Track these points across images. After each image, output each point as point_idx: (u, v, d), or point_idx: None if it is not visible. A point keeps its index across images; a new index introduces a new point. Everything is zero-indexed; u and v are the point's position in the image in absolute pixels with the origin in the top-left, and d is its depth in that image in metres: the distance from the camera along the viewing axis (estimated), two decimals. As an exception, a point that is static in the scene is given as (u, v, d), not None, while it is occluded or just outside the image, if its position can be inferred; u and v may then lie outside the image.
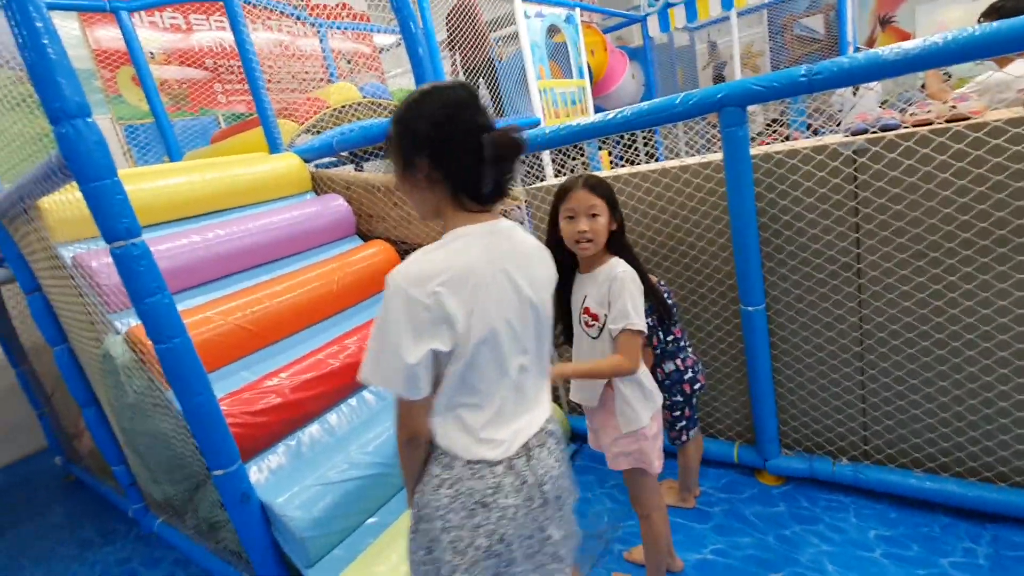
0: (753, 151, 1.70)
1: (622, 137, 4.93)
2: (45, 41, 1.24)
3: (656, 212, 2.00)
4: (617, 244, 1.37)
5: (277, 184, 2.78)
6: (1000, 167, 1.39)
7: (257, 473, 1.80)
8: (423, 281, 0.84)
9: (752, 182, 1.68)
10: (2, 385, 3.54)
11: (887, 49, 1.38)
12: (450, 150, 0.88)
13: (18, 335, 3.09)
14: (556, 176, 4.36)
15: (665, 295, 1.65)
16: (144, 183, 2.35)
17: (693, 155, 2.37)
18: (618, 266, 1.34)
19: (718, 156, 1.77)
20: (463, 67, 4.53)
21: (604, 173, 2.14)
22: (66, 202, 1.94)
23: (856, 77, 1.44)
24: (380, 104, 3.51)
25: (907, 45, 1.35)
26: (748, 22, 7.92)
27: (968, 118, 1.43)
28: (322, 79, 4.77)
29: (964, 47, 1.29)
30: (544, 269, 1.03)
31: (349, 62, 5.60)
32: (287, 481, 1.76)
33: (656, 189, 1.97)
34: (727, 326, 1.99)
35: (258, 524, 1.66)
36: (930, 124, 1.46)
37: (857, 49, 6.61)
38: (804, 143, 1.70)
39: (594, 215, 1.30)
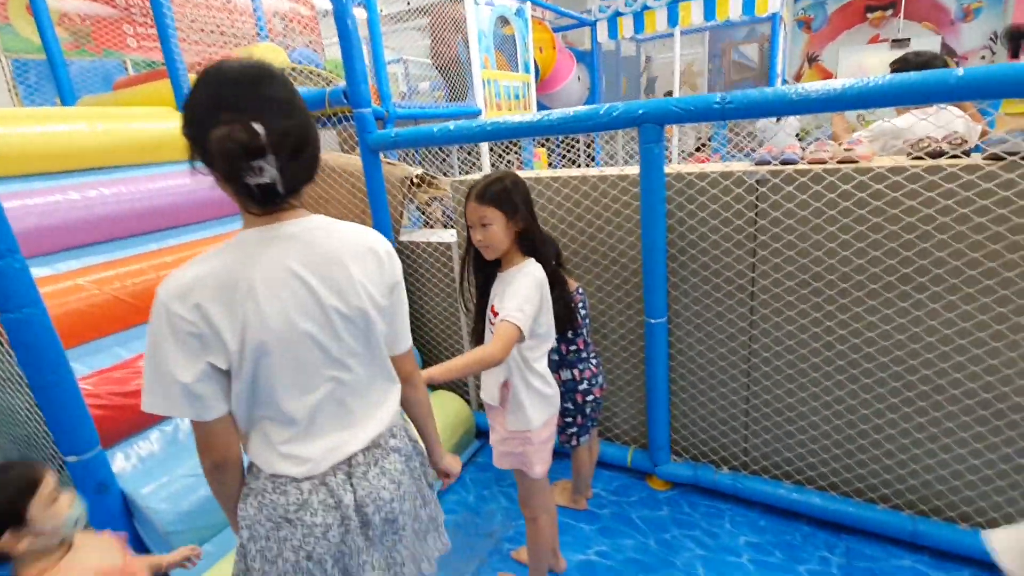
0: (668, 169, 1.75)
1: (564, 137, 4.98)
2: None
3: (573, 219, 2.02)
4: (527, 244, 1.37)
5: (180, 144, 2.55)
6: (879, 210, 1.51)
7: (123, 461, 1.65)
8: (184, 295, 0.76)
9: (664, 198, 1.73)
10: None
11: (791, 88, 1.46)
12: (202, 148, 0.75)
13: None
14: (492, 167, 4.34)
15: (580, 304, 1.68)
16: (23, 127, 2.08)
17: (630, 163, 2.40)
18: (526, 266, 1.35)
19: (635, 169, 1.81)
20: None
21: (526, 174, 2.13)
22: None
23: (764, 110, 1.51)
24: (308, 72, 3.31)
25: (811, 86, 1.42)
26: (691, 41, 8.23)
27: (857, 161, 1.54)
28: (249, 37, 4.44)
29: (861, 95, 1.37)
30: (361, 268, 0.89)
31: (284, 21, 5.27)
32: (157, 470, 1.62)
33: (575, 196, 1.98)
34: (631, 335, 2.04)
35: (117, 516, 1.53)
36: (823, 163, 1.55)
37: (785, 81, 7.06)
38: (713, 167, 1.77)
39: (484, 224, 1.31)
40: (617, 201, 1.91)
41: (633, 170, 1.87)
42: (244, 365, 0.80)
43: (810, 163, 1.60)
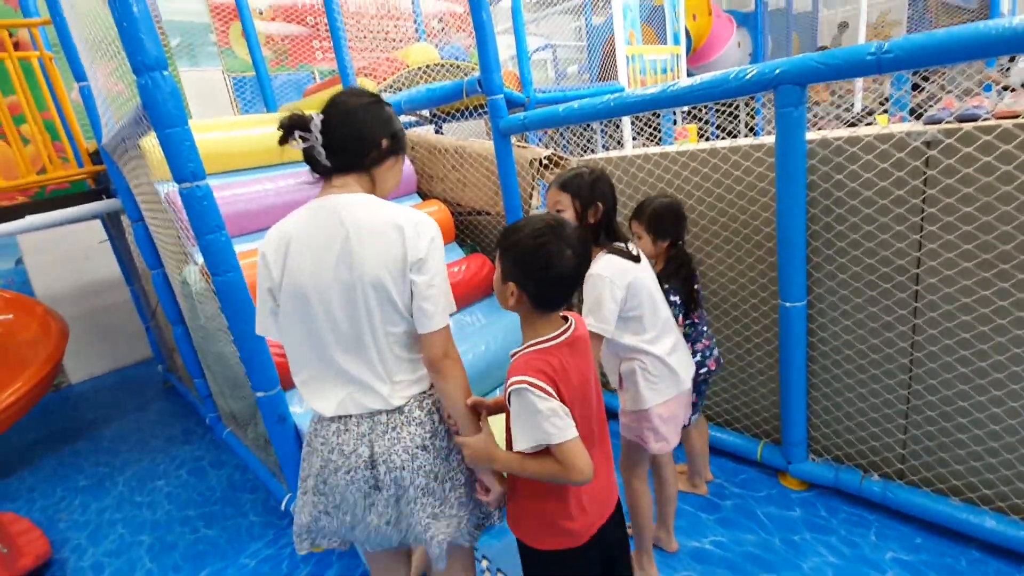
0: (810, 136, 1.57)
1: (723, 110, 4.66)
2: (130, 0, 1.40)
3: (701, 194, 1.92)
4: (597, 236, 1.34)
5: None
6: (1098, 172, 1.19)
7: (298, 404, 2.01)
8: (263, 244, 1.06)
9: (804, 168, 1.56)
10: (119, 300, 4.13)
11: (982, 25, 1.20)
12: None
13: (133, 258, 3.58)
14: (632, 146, 4.23)
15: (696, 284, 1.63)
16: (234, 131, 2.60)
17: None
18: (597, 263, 1.29)
19: (771, 139, 1.65)
20: None
21: (644, 151, 2.07)
22: (162, 144, 2.21)
23: (935, 57, 1.27)
24: (457, 66, 3.56)
25: (1015, 20, 1.15)
26: (884, -14, 7.01)
27: (1065, 112, 1.23)
28: (410, 39, 4.88)
29: None
30: (380, 242, 0.98)
31: (441, 21, 5.67)
32: (320, 411, 1.95)
33: (703, 170, 1.87)
34: (765, 320, 1.89)
35: (292, 444, 1.87)
36: (1016, 116, 1.27)
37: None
38: (868, 130, 1.54)
39: (559, 211, 1.32)
40: (751, 173, 1.77)
41: (769, 139, 1.71)
42: (282, 297, 1.03)
43: (999, 118, 1.31)
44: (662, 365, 1.39)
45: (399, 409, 1.06)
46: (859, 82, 4.48)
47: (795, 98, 1.50)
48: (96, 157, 3.07)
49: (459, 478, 1.11)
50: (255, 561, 1.97)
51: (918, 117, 1.67)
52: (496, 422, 1.10)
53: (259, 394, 1.80)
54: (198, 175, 1.59)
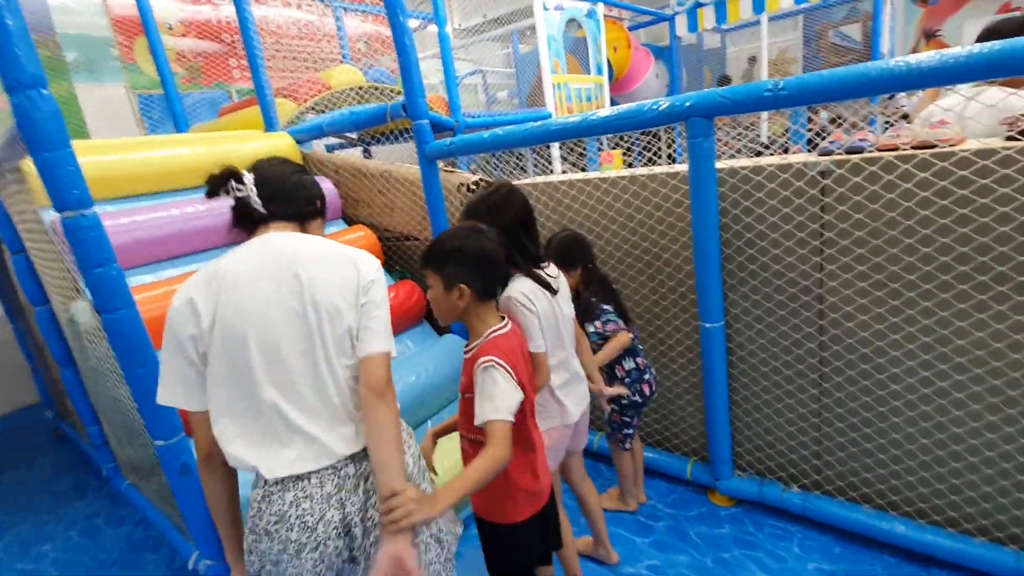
0: (719, 164, 1.65)
1: (645, 137, 4.84)
2: (4, 13, 1.26)
3: (624, 220, 1.96)
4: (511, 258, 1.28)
5: (267, 163, 2.81)
6: (966, 200, 1.32)
7: (205, 447, 1.84)
8: (181, 293, 0.95)
9: (716, 196, 1.64)
10: (1, 338, 3.68)
11: (865, 67, 1.31)
12: None
13: (17, 292, 3.20)
14: (563, 172, 4.32)
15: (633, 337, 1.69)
16: (134, 153, 2.40)
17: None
18: (513, 284, 1.27)
19: (684, 167, 1.72)
20: None
21: (569, 178, 2.11)
22: (48, 167, 2.00)
23: (825, 95, 1.38)
24: (381, 89, 3.51)
25: (888, 63, 1.26)
26: (783, 27, 7.70)
27: (935, 146, 1.36)
28: (334, 60, 4.78)
29: (961, 68, 1.17)
30: (327, 275, 0.95)
31: (368, 44, 5.62)
32: (231, 457, 1.79)
33: (624, 196, 1.93)
34: (688, 340, 1.94)
35: (197, 496, 1.69)
36: (896, 150, 1.39)
37: (892, 61, 6.36)
38: (770, 160, 1.64)
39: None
40: (668, 200, 1.83)
41: (683, 168, 1.78)
42: (214, 342, 0.89)
43: (881, 150, 1.43)
44: (550, 396, 1.37)
45: (365, 454, 0.95)
46: (764, 114, 4.86)
47: (704, 129, 1.57)
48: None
49: (435, 521, 1.05)
50: (157, 631, 1.76)
51: (814, 147, 1.80)
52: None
53: (158, 443, 1.62)
54: (84, 202, 1.43)
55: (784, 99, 1.40)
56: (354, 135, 3.95)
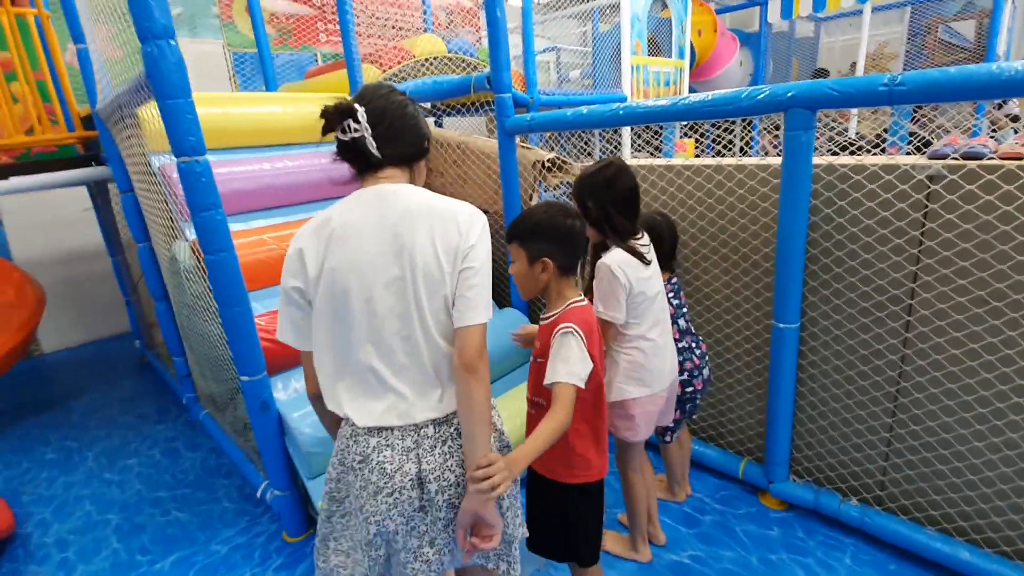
0: (816, 160, 1.58)
1: (720, 128, 4.69)
2: (141, -36, 1.36)
3: (704, 209, 1.93)
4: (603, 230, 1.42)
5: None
6: (1095, 219, 1.22)
7: (281, 391, 1.97)
8: (294, 241, 0.97)
9: (809, 192, 1.58)
10: (99, 271, 4.03)
11: (986, 66, 1.22)
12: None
13: (117, 229, 3.49)
14: (632, 156, 4.25)
15: (671, 292, 1.66)
16: (235, 107, 2.55)
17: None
18: (608, 254, 1.40)
19: (778, 160, 1.67)
20: None
21: (650, 162, 2.08)
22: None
23: (948, 94, 1.29)
24: (463, 60, 3.53)
25: (1016, 64, 1.18)
26: (886, 19, 7.15)
27: (1069, 157, 1.26)
28: (417, 29, 4.84)
29: None
30: (428, 236, 0.92)
31: (449, 15, 5.64)
32: (303, 402, 1.91)
33: (707, 185, 1.88)
34: (756, 339, 1.90)
35: (274, 432, 1.83)
36: (1020, 158, 1.29)
37: (1009, 64, 5.80)
38: (875, 160, 1.56)
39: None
40: (754, 193, 1.78)
41: (775, 160, 1.72)
42: (320, 290, 0.94)
43: (1002, 158, 1.34)
44: (641, 366, 1.44)
45: (447, 419, 0.98)
46: (854, 110, 4.57)
47: (805, 122, 1.51)
48: (88, 122, 2.98)
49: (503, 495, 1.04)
50: (227, 548, 1.93)
51: (918, 149, 1.70)
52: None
53: (244, 378, 1.76)
54: (198, 150, 1.55)
55: (901, 95, 1.32)
56: (428, 105, 4.02)
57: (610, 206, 1.38)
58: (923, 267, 1.50)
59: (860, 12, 6.04)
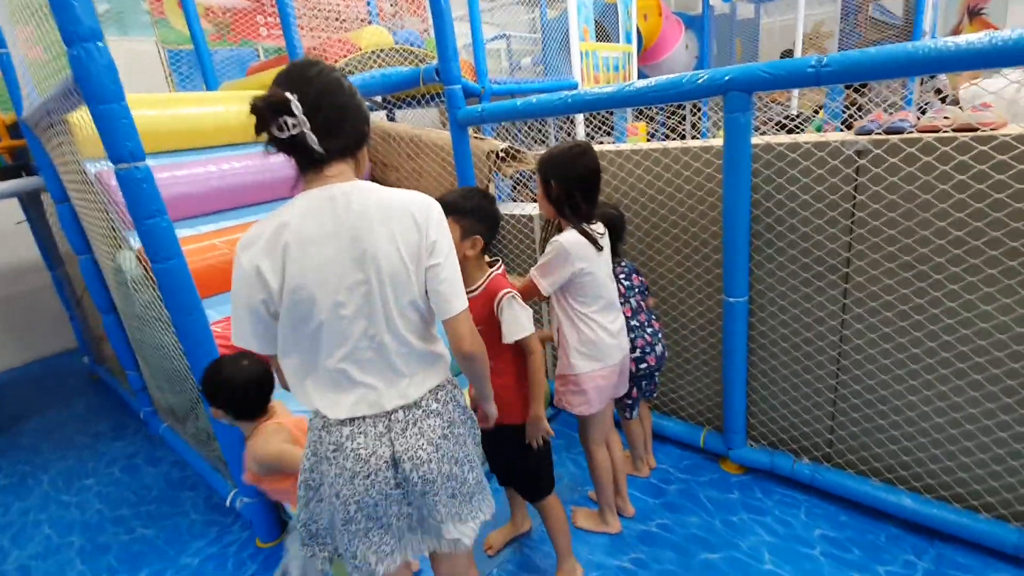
0: (754, 140, 1.66)
1: (670, 110, 4.76)
2: (62, -37, 1.29)
3: (653, 192, 1.99)
4: (562, 210, 1.50)
5: (299, 123, 2.84)
6: (1002, 184, 1.33)
7: (243, 394, 1.94)
8: (246, 246, 0.92)
9: (750, 171, 1.65)
10: (39, 285, 3.82)
11: (914, 46, 1.30)
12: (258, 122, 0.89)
13: (55, 241, 3.31)
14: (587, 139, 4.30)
15: (622, 274, 1.74)
16: (174, 109, 2.45)
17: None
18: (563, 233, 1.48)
19: (720, 141, 1.73)
20: None
21: (607, 147, 2.13)
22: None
23: (869, 72, 1.37)
24: (411, 52, 3.49)
25: (933, 43, 1.25)
26: (820, -1, 7.41)
27: (977, 129, 1.36)
28: (362, 20, 4.73)
29: (1012, 51, 1.16)
30: (392, 229, 0.93)
31: (394, 5, 5.53)
32: (268, 404, 1.89)
33: (655, 168, 1.94)
34: (709, 314, 1.99)
35: (239, 438, 1.79)
36: (937, 131, 1.39)
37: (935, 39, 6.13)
38: (807, 138, 1.65)
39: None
40: (700, 174, 1.84)
41: (717, 142, 1.79)
42: (284, 307, 0.92)
43: (921, 131, 1.43)
44: (591, 338, 1.52)
45: (416, 403, 1.01)
46: (795, 90, 4.75)
47: (743, 104, 1.57)
48: (14, 130, 2.81)
49: (474, 461, 1.13)
50: (198, 560, 1.90)
51: (849, 127, 1.79)
52: None
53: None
54: (136, 155, 1.49)
55: (827, 76, 1.40)
56: (379, 98, 3.95)
57: (574, 187, 1.42)
58: (856, 236, 1.60)
59: (796, -8, 6.24)
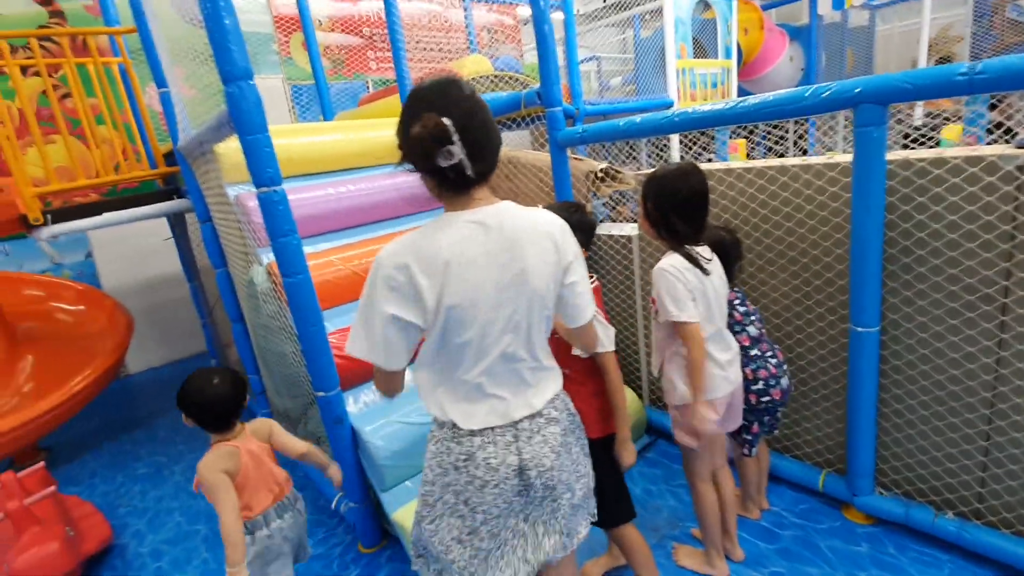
0: (890, 156, 1.52)
1: (771, 128, 4.53)
2: (223, 12, 1.47)
3: (768, 212, 1.87)
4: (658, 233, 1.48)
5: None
6: None
7: (352, 404, 2.05)
8: (395, 257, 0.92)
9: (883, 190, 1.51)
10: (178, 296, 4.31)
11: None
12: (406, 146, 0.92)
13: (193, 255, 3.74)
14: (681, 159, 4.18)
15: (736, 300, 1.64)
16: (299, 138, 2.70)
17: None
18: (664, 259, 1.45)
19: (847, 158, 1.61)
20: None
21: (714, 166, 2.04)
22: (236, 149, 2.30)
23: (1035, 79, 1.22)
24: (511, 77, 3.60)
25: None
26: (947, 1, 6.75)
27: None
28: (461, 50, 4.97)
29: None
30: (539, 250, 0.97)
31: (491, 33, 5.76)
32: (374, 415, 1.98)
33: (771, 188, 1.83)
34: (832, 344, 1.82)
35: (348, 445, 1.91)
36: None
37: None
38: (955, 152, 1.48)
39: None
40: (823, 193, 1.72)
41: (843, 158, 1.66)
42: (436, 324, 0.95)
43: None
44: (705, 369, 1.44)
45: (539, 412, 1.05)
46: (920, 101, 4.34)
47: (876, 117, 1.45)
48: (168, 159, 3.23)
49: (582, 470, 1.15)
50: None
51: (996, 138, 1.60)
52: None
53: (319, 394, 1.84)
54: (275, 180, 1.65)
55: (981, 84, 1.26)
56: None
57: (670, 209, 1.39)
58: (1017, 263, 1.41)
59: (920, -4, 5.74)
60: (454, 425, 1.02)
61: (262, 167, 1.61)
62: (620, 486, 1.49)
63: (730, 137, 4.75)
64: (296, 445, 1.57)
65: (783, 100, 1.60)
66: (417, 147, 0.89)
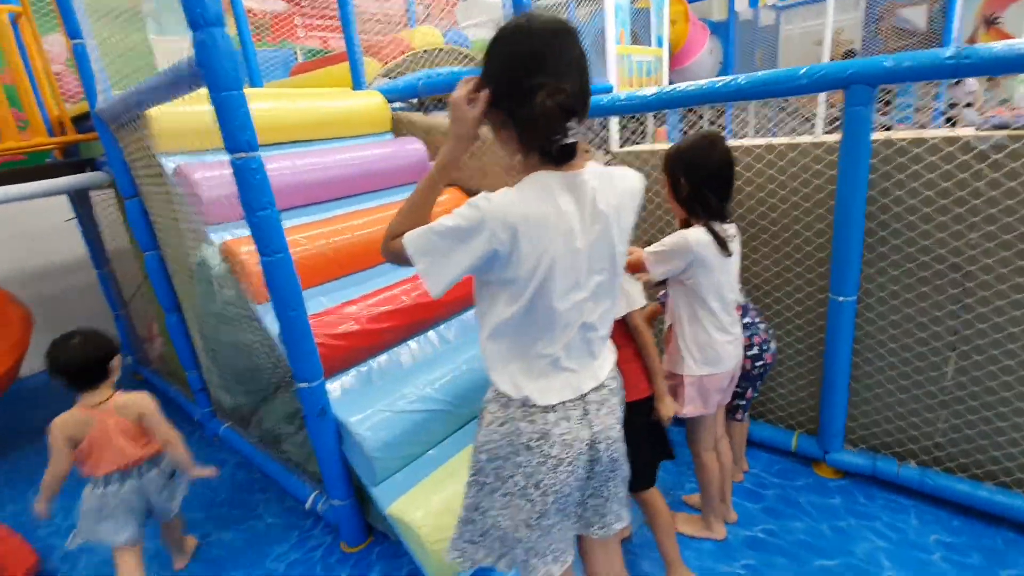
0: (874, 136, 1.62)
1: (684, 115, 4.72)
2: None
3: (752, 189, 1.95)
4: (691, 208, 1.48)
5: (359, 121, 2.80)
6: None
7: (333, 392, 1.88)
8: (506, 213, 0.81)
9: (868, 167, 1.62)
10: (82, 285, 3.76)
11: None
12: (518, 107, 0.81)
13: (102, 239, 3.26)
14: (621, 147, 4.27)
15: None
16: (255, 104, 2.40)
17: (762, 136, 2.23)
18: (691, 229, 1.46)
19: (833, 137, 1.70)
20: None
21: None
22: (173, 113, 2.00)
23: (1014, 65, 1.35)
24: (462, 53, 3.47)
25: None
26: (843, 6, 7.43)
27: None
28: (399, 22, 4.72)
29: None
30: (617, 226, 0.92)
31: (427, 8, 5.52)
32: (359, 403, 1.83)
33: (757, 165, 1.91)
34: (809, 314, 1.94)
35: (332, 438, 1.75)
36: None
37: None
38: (934, 132, 1.61)
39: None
40: (807, 171, 1.81)
41: (830, 137, 1.76)
42: (525, 294, 0.87)
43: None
44: (704, 345, 1.48)
45: (603, 384, 1.01)
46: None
47: (865, 98, 1.54)
48: (78, 125, 2.76)
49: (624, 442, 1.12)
50: (283, 565, 1.84)
51: (953, 124, 1.77)
52: None
53: (302, 385, 1.67)
54: (252, 145, 1.45)
55: (967, 68, 1.37)
56: (415, 100, 3.92)
57: (703, 182, 1.38)
58: (983, 234, 1.56)
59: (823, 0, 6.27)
60: (524, 403, 0.95)
61: (239, 130, 1.41)
62: (656, 447, 1.50)
63: (657, 126, 4.92)
64: (161, 434, 1.66)
65: (779, 78, 1.66)
66: (553, 119, 0.78)
